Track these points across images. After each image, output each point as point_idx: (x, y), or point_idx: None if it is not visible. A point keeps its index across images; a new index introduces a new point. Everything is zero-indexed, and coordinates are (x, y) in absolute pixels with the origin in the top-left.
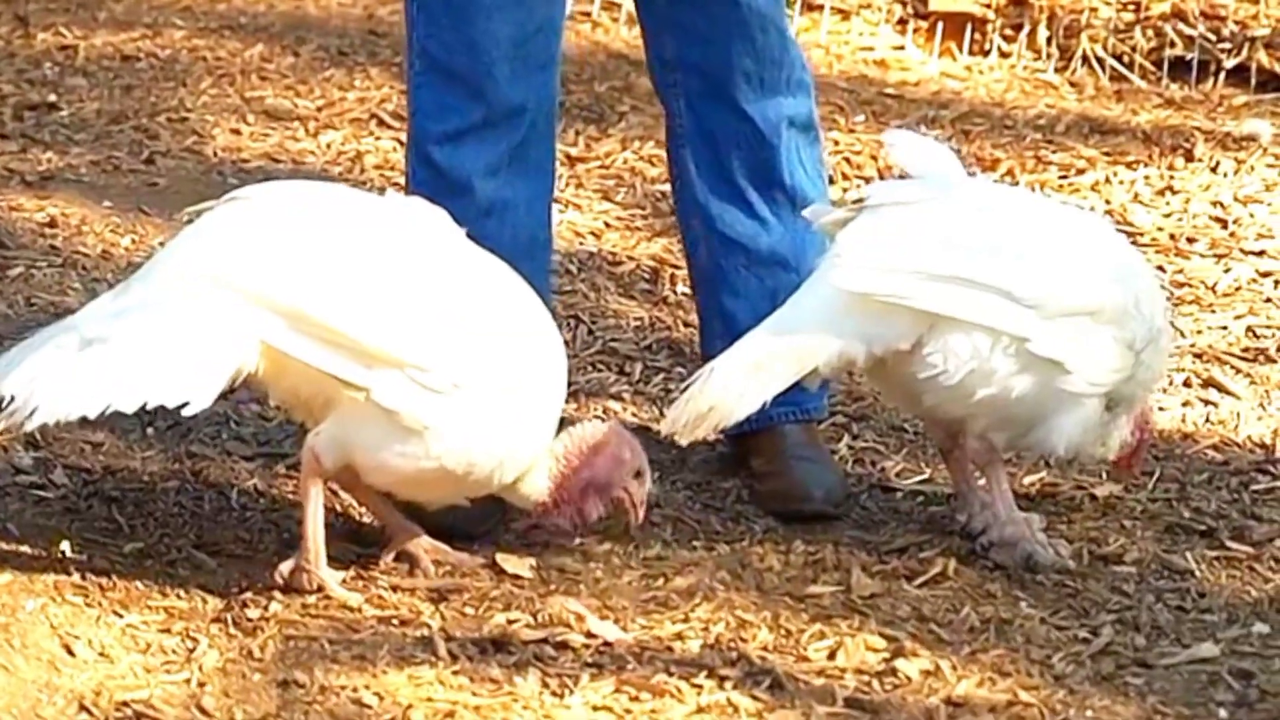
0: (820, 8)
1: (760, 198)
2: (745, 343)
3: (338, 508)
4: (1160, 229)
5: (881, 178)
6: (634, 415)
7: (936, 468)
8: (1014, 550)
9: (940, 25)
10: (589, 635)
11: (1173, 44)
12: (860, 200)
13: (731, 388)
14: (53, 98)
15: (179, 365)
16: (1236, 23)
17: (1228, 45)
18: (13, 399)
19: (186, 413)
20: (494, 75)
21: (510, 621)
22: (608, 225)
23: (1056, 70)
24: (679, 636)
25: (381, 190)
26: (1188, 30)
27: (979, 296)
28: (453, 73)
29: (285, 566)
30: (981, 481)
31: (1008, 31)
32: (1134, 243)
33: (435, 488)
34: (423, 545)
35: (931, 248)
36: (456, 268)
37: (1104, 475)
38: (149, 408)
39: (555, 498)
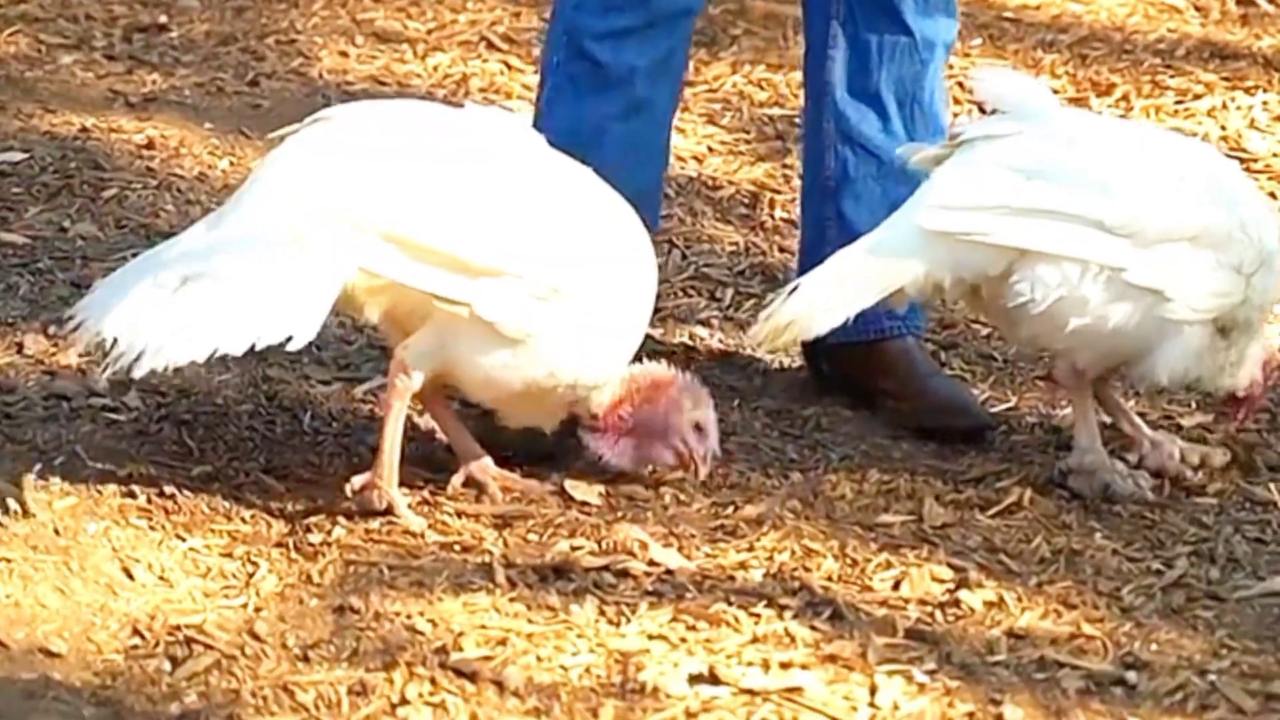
0: None
1: (899, 111)
2: (833, 260)
3: (410, 432)
4: (1276, 155)
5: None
6: (721, 342)
7: (1023, 396)
8: (1091, 479)
9: None
10: (651, 563)
11: None
12: (955, 137)
13: (816, 301)
14: (164, 19)
15: (282, 301)
16: None
17: None
18: (115, 342)
19: (291, 348)
20: None
21: (574, 549)
22: (710, 150)
23: None
24: (742, 565)
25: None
26: None
27: (1065, 228)
28: None
29: (357, 481)
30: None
31: None
32: (1247, 169)
33: (530, 402)
34: (490, 472)
35: (1016, 181)
36: (543, 176)
37: (1194, 405)
38: (256, 348)
39: (607, 420)
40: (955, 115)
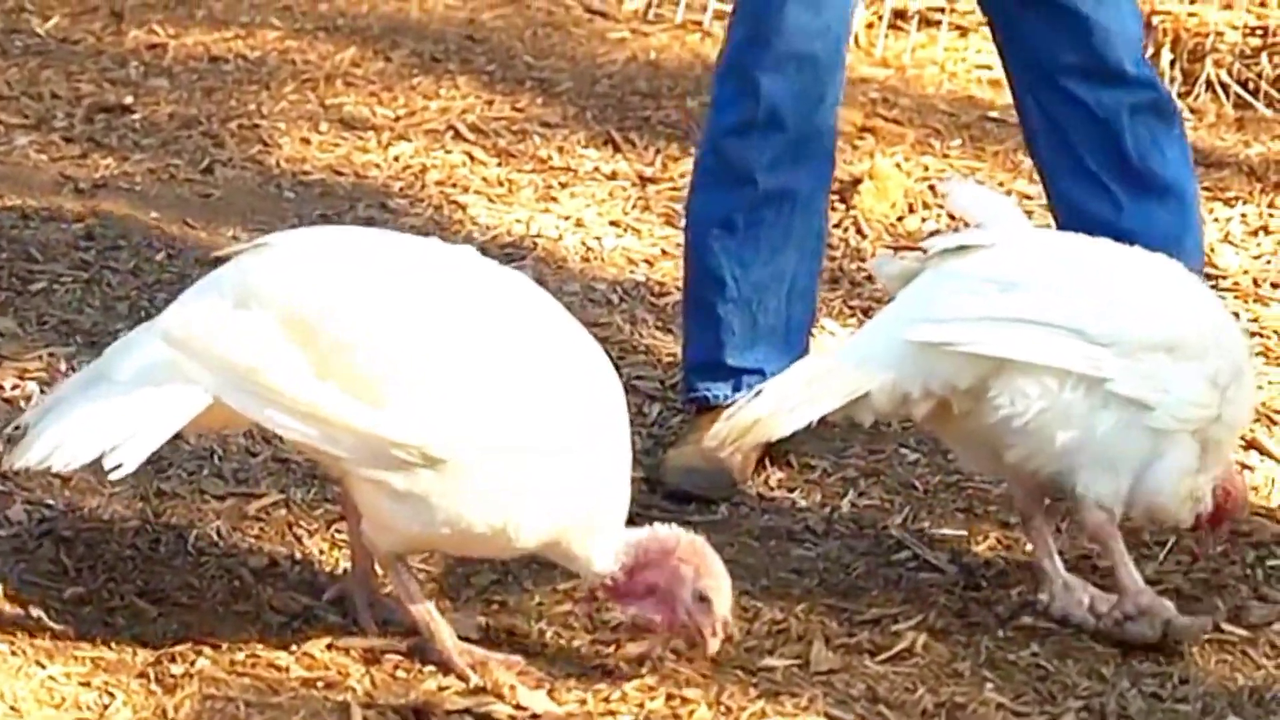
0: (938, 24)
1: (1110, 177)
2: (801, 364)
3: (295, 554)
4: (1245, 272)
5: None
6: (640, 460)
7: (942, 527)
8: (1153, 620)
9: None
10: (517, 707)
11: None
12: (923, 251)
13: (782, 403)
14: (129, 99)
15: (118, 427)
16: None
17: None
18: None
19: (114, 476)
20: (784, 72)
21: (440, 688)
22: (664, 252)
23: (1180, 96)
24: (610, 714)
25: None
26: None
27: (1048, 338)
28: (744, 71)
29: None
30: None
31: None
32: (1215, 286)
33: (449, 548)
34: (369, 601)
35: (996, 293)
36: (469, 323)
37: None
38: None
39: (618, 586)
40: (924, 220)
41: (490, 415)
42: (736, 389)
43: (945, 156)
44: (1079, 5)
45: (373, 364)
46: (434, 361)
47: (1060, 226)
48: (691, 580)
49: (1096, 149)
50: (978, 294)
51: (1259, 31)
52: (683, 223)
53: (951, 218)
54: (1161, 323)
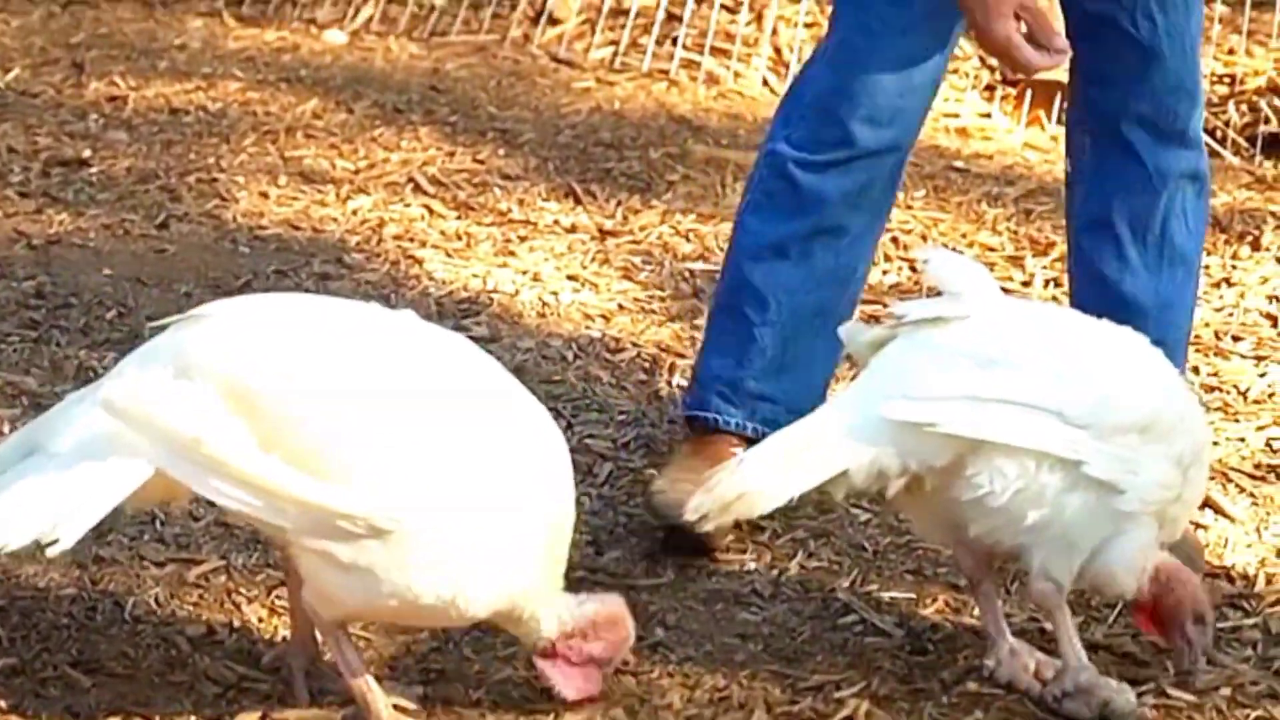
0: None
1: (1133, 241)
2: (779, 437)
3: (234, 621)
4: (1207, 325)
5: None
6: (587, 523)
7: (891, 589)
8: (1090, 699)
9: (1029, 93)
10: None
11: (1267, 120)
12: (896, 319)
13: (764, 479)
14: (87, 152)
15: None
16: None
17: None
18: None
19: (52, 553)
20: (872, 122)
21: None
22: (621, 307)
23: None
24: None
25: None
26: None
27: (1029, 420)
28: (830, 113)
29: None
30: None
31: None
32: None
33: (395, 619)
34: (306, 669)
35: (974, 370)
36: (407, 392)
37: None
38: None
39: (559, 651)
40: (885, 272)
41: (435, 483)
42: (750, 417)
43: (909, 208)
44: (1164, 49)
45: (315, 435)
46: (376, 430)
47: (1069, 272)
48: (631, 640)
49: (1132, 211)
50: (956, 369)
51: (1226, 80)
52: (642, 275)
53: (913, 267)
54: (1136, 404)
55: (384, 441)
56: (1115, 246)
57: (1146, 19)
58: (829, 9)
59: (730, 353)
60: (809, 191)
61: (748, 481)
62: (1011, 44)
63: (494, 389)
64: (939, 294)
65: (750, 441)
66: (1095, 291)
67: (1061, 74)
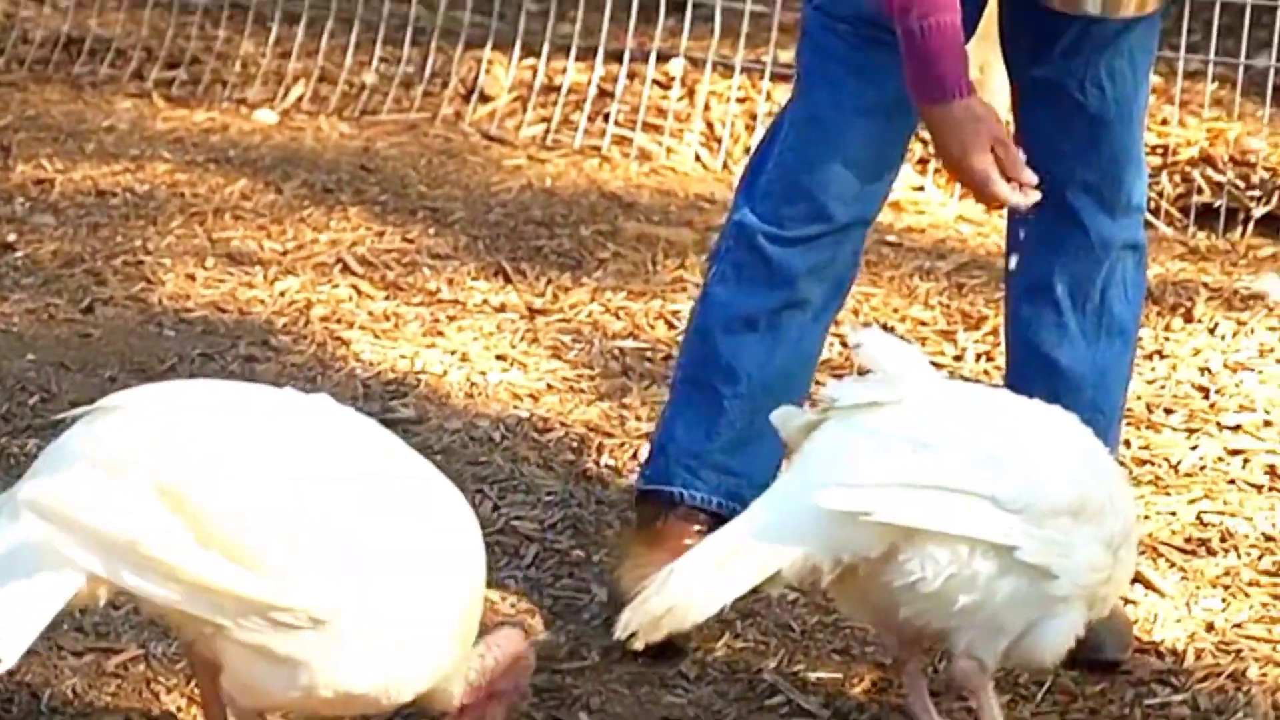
0: None
1: (1073, 311)
2: (707, 544)
3: (153, 710)
4: (1139, 397)
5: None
6: (512, 606)
7: (818, 669)
8: None
9: None
10: None
11: (1200, 190)
12: (826, 404)
13: (693, 589)
14: (13, 237)
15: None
16: (1267, 169)
17: (1257, 193)
18: None
19: None
20: (841, 199)
21: None
22: (549, 387)
23: None
24: None
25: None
26: (1216, 176)
27: (964, 506)
28: (799, 188)
29: None
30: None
31: None
32: None
33: (322, 708)
34: None
35: (909, 455)
36: (325, 480)
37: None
38: None
39: (466, 703)
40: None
41: (369, 572)
42: (715, 491)
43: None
44: (1112, 119)
45: (248, 529)
46: (311, 522)
47: (1005, 340)
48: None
49: (1073, 278)
50: (889, 455)
51: (1159, 150)
52: (571, 354)
53: (844, 342)
54: (1068, 487)
55: (319, 533)
56: (1055, 314)
57: (1095, 88)
58: (763, 84)
59: (698, 425)
60: (779, 265)
61: (677, 595)
62: (989, 179)
63: (410, 471)
64: (869, 373)
65: (714, 517)
66: (1032, 360)
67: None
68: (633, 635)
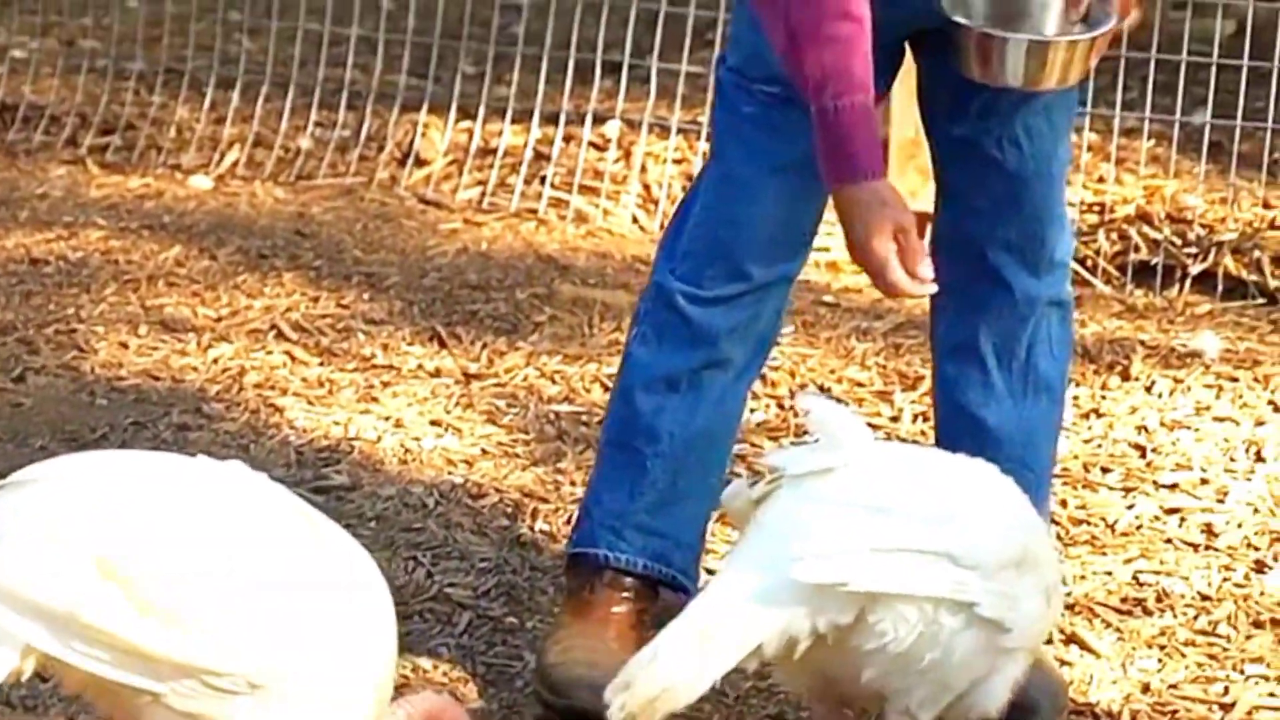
0: None
1: (999, 370)
2: (686, 619)
3: None
4: (1075, 456)
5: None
6: (445, 674)
7: None
8: None
9: None
10: None
11: (1137, 248)
12: (774, 473)
13: (683, 668)
14: None
15: None
16: (1203, 226)
17: (1194, 250)
18: None
19: None
20: (759, 258)
21: None
22: (483, 452)
23: None
24: None
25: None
26: (1153, 234)
27: (928, 567)
28: (716, 247)
29: None
30: None
31: None
32: None
33: None
34: None
35: (870, 520)
36: (249, 550)
37: None
38: None
39: None
40: (753, 410)
41: (300, 631)
42: (641, 553)
43: (776, 344)
44: (1031, 176)
45: (187, 596)
46: (241, 585)
47: (933, 399)
48: None
49: (998, 337)
50: (851, 520)
51: (1096, 208)
52: (506, 419)
53: (780, 404)
54: (1011, 538)
55: (255, 599)
56: (980, 373)
57: (1013, 145)
58: (699, 145)
59: (621, 486)
60: (700, 326)
61: (669, 674)
62: (888, 265)
63: (330, 535)
64: (808, 438)
65: (641, 580)
66: (959, 419)
67: (928, 203)
68: (629, 716)
